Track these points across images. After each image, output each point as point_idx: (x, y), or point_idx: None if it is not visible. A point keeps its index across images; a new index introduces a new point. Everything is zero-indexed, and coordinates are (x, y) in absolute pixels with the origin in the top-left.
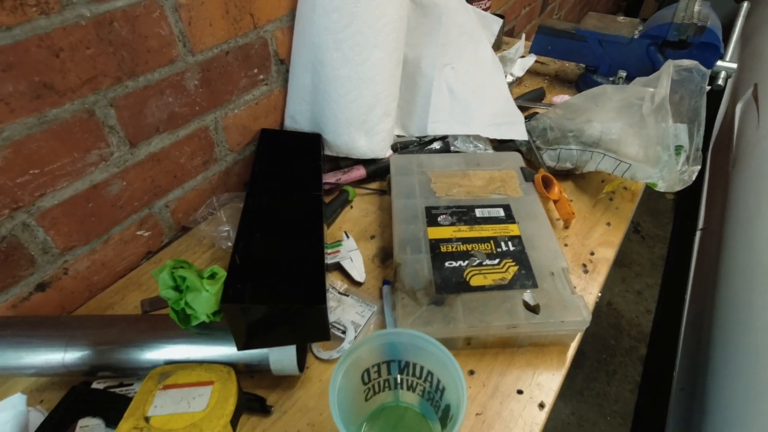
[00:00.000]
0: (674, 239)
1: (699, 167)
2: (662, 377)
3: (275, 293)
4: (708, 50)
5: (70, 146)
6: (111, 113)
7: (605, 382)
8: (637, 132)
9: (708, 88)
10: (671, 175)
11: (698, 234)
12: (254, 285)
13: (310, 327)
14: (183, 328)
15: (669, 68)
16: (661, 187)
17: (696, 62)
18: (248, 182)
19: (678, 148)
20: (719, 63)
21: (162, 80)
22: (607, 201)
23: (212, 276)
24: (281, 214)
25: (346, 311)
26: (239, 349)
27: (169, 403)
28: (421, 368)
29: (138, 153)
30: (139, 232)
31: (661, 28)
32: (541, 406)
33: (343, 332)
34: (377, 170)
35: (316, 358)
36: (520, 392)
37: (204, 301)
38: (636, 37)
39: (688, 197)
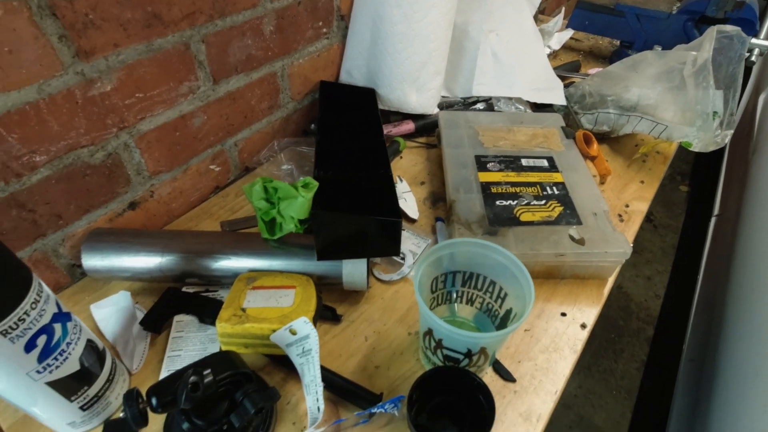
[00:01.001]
0: (686, 229)
1: (732, 131)
2: (669, 357)
3: (360, 207)
4: (745, 26)
5: (168, 75)
6: (202, 49)
7: (612, 359)
8: (675, 96)
9: (747, 54)
10: (706, 135)
11: (713, 220)
12: (340, 200)
13: (384, 241)
14: (269, 238)
15: (712, 33)
16: (696, 146)
17: (738, 29)
18: (317, 123)
19: (713, 114)
20: (753, 40)
21: (245, 22)
22: (641, 162)
23: (305, 186)
24: (350, 152)
25: (404, 243)
26: (319, 258)
27: (260, 300)
28: (484, 279)
29: (218, 90)
30: (211, 167)
31: (699, 4)
32: (583, 326)
33: (403, 258)
34: (425, 125)
35: (378, 279)
36: (563, 314)
37: (298, 206)
38: (674, 12)
39: (702, 188)
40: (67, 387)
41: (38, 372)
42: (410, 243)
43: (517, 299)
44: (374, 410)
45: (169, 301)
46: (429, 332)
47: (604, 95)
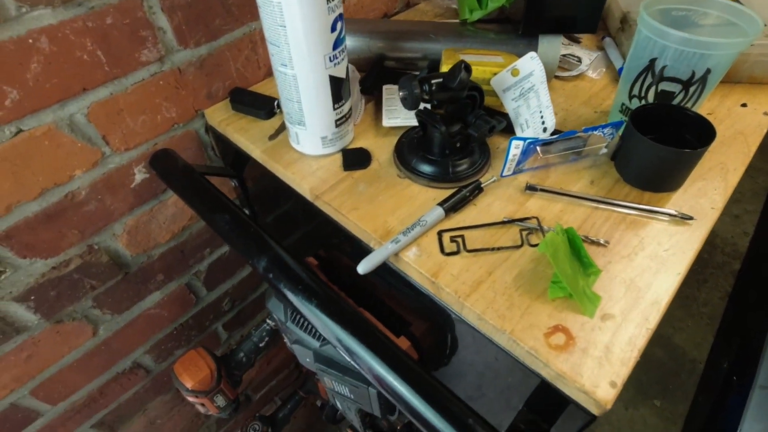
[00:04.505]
0: None
1: None
2: (757, 291)
3: None
4: None
5: None
6: None
7: (695, 287)
8: None
9: None
10: None
11: None
12: None
13: (584, 16)
14: (469, 18)
15: None
16: None
17: None
18: None
19: None
20: None
21: None
22: None
23: None
24: None
25: (572, 50)
26: (523, 31)
27: (472, 58)
28: None
29: None
30: None
31: None
32: (765, 114)
33: (579, 60)
34: None
35: (557, 78)
36: (743, 105)
37: None
38: None
39: None
40: (336, 88)
41: (330, 60)
42: (582, 52)
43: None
44: (593, 131)
45: (378, 72)
46: (647, 68)
47: None
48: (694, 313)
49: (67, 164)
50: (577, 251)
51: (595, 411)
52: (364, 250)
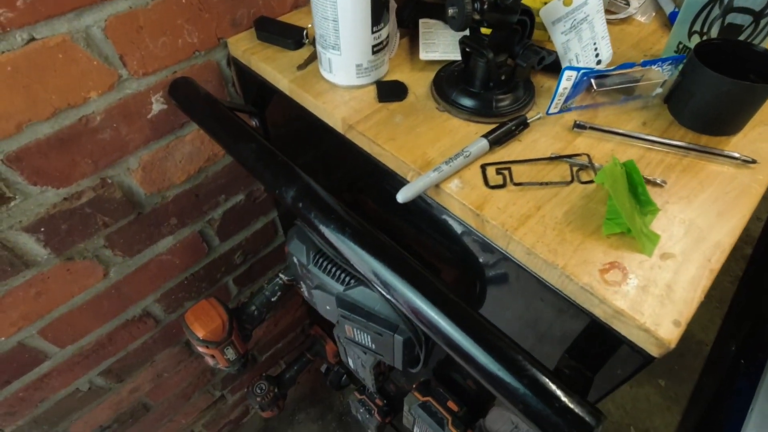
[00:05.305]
0: None
1: None
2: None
3: None
4: None
5: None
6: None
7: None
8: None
9: None
10: None
11: None
12: None
13: None
14: None
15: None
16: None
17: None
18: None
19: None
20: None
21: None
22: None
23: None
24: None
25: None
26: None
27: None
28: None
29: None
30: None
31: None
32: None
33: (626, 3)
34: None
35: None
36: None
37: None
38: None
39: None
40: (377, 8)
41: None
42: None
43: None
44: (652, 64)
45: (415, 5)
46: None
47: None
48: None
49: (81, 84)
50: (635, 187)
51: (654, 352)
52: (390, 194)
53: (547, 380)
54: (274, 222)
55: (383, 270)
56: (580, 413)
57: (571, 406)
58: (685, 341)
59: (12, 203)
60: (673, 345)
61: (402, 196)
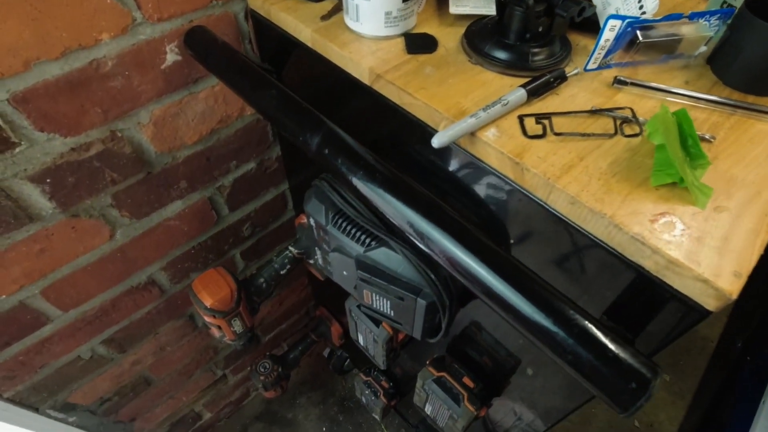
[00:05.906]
0: None
1: None
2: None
3: None
4: None
5: None
6: None
7: None
8: None
9: None
10: None
11: None
12: None
13: None
14: None
15: None
16: None
17: None
18: None
19: None
20: None
21: None
22: None
23: None
24: None
25: None
26: None
27: None
28: None
29: None
30: None
31: None
32: None
33: None
34: None
35: None
36: None
37: None
38: None
39: None
40: None
41: None
42: None
43: None
44: (700, 17)
45: None
46: None
47: None
48: None
49: (93, 23)
50: (685, 139)
51: (711, 305)
52: (414, 157)
53: (598, 331)
54: (285, 195)
55: (417, 218)
56: (636, 365)
57: (625, 356)
58: (690, 337)
59: (17, 149)
60: (734, 296)
61: (438, 140)
